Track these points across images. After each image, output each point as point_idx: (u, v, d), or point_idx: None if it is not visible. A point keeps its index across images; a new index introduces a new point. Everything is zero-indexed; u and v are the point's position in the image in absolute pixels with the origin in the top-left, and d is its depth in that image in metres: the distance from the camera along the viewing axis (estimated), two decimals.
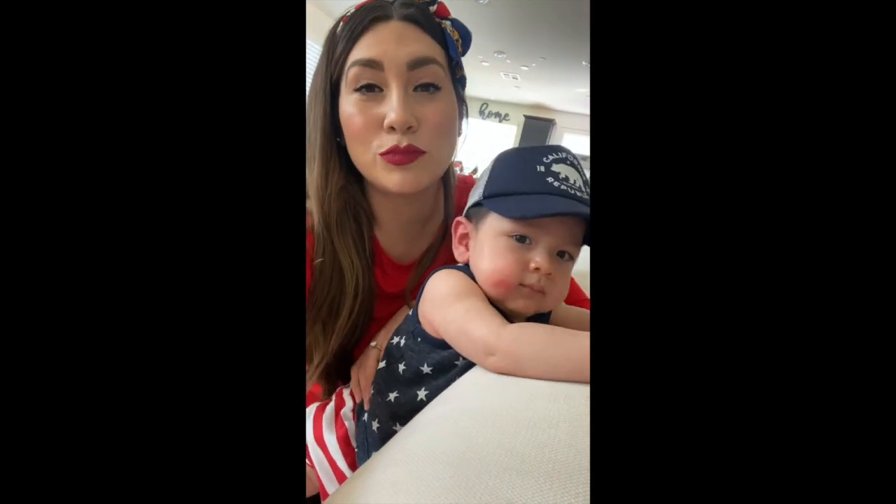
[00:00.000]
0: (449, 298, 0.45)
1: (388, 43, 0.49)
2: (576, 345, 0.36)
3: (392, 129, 0.49)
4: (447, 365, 0.46)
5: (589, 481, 0.26)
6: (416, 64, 0.50)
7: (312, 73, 0.55)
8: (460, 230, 0.53)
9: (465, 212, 0.53)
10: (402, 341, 0.51)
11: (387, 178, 0.52)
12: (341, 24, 0.53)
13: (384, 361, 0.54)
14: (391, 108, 0.49)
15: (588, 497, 0.25)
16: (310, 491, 0.59)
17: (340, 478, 0.56)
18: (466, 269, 0.50)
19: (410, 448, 0.34)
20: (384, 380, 0.52)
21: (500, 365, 0.38)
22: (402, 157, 0.50)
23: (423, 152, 0.51)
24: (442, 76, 0.52)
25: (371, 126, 0.50)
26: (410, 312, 0.52)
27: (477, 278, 0.48)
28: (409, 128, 0.50)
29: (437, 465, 0.30)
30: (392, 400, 0.50)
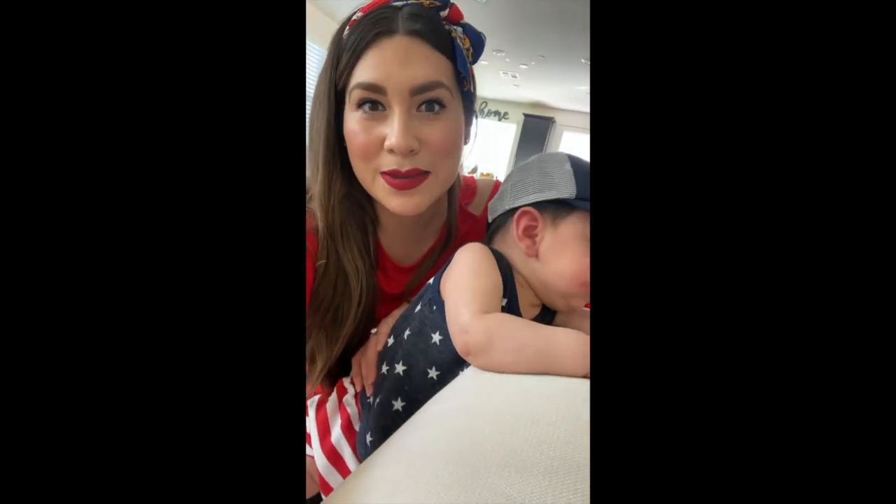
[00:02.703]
0: (467, 269, 0.47)
1: (391, 65, 0.47)
2: (548, 339, 0.38)
3: (393, 151, 0.49)
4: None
5: (587, 478, 0.26)
6: (420, 90, 0.48)
7: (310, 73, 0.54)
8: (525, 221, 0.50)
9: (534, 204, 0.50)
10: (418, 308, 0.52)
11: (387, 199, 0.52)
12: (347, 28, 0.51)
13: (392, 337, 0.54)
14: (392, 131, 0.48)
15: (586, 493, 0.25)
16: (310, 490, 0.58)
17: (342, 469, 0.56)
18: (496, 252, 0.49)
19: (409, 446, 0.34)
20: (394, 352, 0.53)
21: (470, 345, 0.40)
22: (403, 181, 0.50)
23: (426, 176, 0.51)
24: (447, 96, 0.50)
25: (373, 146, 0.50)
26: (431, 281, 0.53)
27: (549, 273, 0.48)
28: (411, 151, 0.49)
29: (435, 462, 0.30)
30: (401, 373, 0.50)
